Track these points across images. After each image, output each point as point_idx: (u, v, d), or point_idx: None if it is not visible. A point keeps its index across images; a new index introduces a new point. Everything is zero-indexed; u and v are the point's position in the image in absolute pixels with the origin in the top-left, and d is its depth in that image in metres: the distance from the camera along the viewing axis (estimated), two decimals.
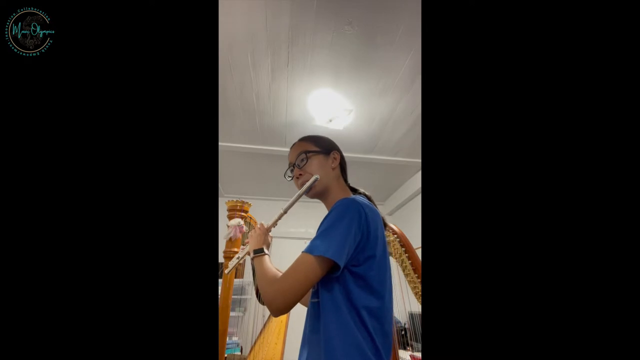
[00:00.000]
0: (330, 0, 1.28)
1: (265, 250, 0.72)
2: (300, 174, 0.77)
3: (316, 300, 0.64)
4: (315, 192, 0.76)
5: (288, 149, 0.85)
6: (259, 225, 0.78)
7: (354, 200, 0.65)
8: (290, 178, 0.81)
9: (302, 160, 0.77)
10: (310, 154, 0.78)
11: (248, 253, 0.77)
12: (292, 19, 1.36)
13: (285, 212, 0.77)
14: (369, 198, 0.79)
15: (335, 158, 0.79)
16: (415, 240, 1.23)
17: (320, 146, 0.79)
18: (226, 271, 0.95)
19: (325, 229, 0.61)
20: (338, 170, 0.80)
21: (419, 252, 1.33)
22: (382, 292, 0.63)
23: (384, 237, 0.69)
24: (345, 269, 0.61)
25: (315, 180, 0.74)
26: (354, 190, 0.82)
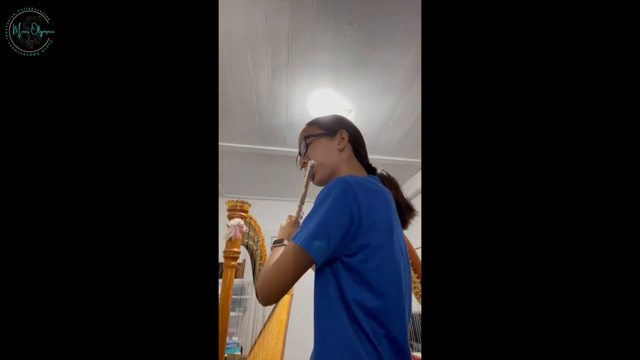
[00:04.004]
0: (330, 0, 1.28)
1: (285, 242, 0.66)
2: (305, 162, 0.71)
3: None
4: (321, 179, 0.69)
5: (288, 149, 0.85)
6: (287, 218, 0.74)
7: (341, 181, 0.55)
8: (301, 167, 0.74)
9: (304, 147, 0.71)
10: (311, 138, 0.71)
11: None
12: (292, 18, 1.36)
13: (302, 203, 0.73)
14: (384, 179, 0.72)
15: (342, 137, 0.70)
16: (415, 240, 1.22)
17: (323, 127, 0.72)
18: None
19: (308, 215, 0.55)
20: (349, 150, 0.71)
21: (419, 252, 1.33)
22: (382, 290, 0.52)
23: (389, 223, 0.56)
24: (338, 259, 0.53)
25: (312, 166, 0.67)
26: (372, 170, 0.74)
